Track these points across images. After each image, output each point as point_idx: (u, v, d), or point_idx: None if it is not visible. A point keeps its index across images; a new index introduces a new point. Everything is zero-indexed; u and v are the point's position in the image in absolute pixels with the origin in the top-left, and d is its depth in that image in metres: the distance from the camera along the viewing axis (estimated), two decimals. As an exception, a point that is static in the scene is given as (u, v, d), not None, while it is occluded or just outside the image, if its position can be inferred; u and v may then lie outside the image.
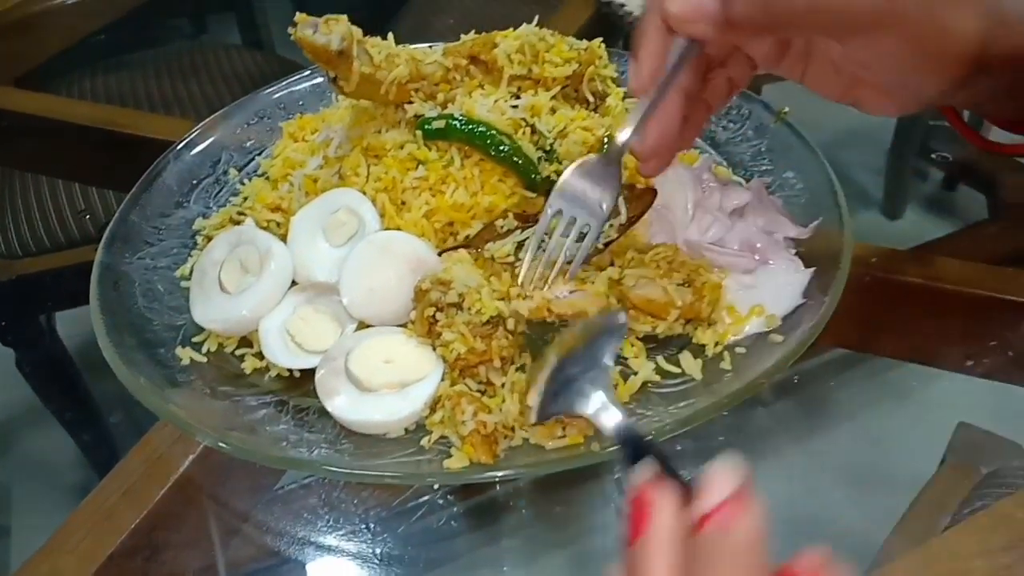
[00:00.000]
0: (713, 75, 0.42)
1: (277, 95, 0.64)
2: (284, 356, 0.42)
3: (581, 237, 0.43)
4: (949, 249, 0.80)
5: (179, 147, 0.58)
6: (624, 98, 0.61)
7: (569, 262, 0.43)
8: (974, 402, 0.80)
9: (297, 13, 0.46)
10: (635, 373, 0.42)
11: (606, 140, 0.50)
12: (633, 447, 0.32)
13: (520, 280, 0.43)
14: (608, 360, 0.36)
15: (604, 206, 0.42)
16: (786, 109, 0.58)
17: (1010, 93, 0.38)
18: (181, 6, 1.55)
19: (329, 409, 0.39)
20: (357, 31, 0.47)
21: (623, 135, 0.40)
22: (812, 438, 0.91)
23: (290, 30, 0.46)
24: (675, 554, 0.26)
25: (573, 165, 0.43)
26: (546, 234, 0.43)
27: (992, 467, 0.70)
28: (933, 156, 0.93)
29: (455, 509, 0.48)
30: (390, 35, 0.51)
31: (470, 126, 0.48)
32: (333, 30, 0.46)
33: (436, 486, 0.44)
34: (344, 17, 0.47)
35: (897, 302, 0.51)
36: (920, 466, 0.74)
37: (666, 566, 0.25)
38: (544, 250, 0.43)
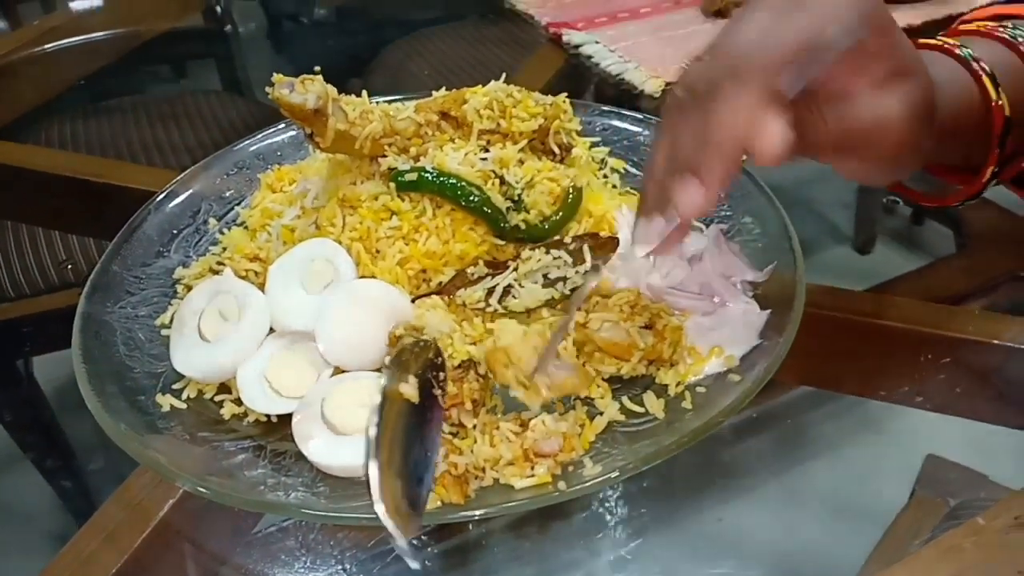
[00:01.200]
0: None
1: (255, 146, 0.66)
2: (262, 402, 0.44)
3: None
4: (917, 283, 0.83)
5: (159, 198, 0.59)
6: (591, 147, 0.64)
7: None
8: (943, 434, 0.83)
9: (274, 75, 0.48)
10: (601, 413, 0.44)
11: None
12: None
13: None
14: None
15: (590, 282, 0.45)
16: (744, 157, 0.60)
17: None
18: (162, 53, 1.58)
19: (305, 453, 0.40)
20: (332, 89, 0.50)
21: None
22: (788, 472, 0.93)
23: (267, 89, 0.48)
24: None
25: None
26: None
27: (960, 499, 0.72)
28: (884, 201, 0.97)
29: (430, 550, 0.49)
30: (364, 92, 0.53)
31: (441, 178, 0.50)
32: (309, 89, 0.48)
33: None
34: (319, 77, 0.49)
35: (848, 340, 0.53)
36: (891, 498, 0.76)
37: None
38: None
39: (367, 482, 0.32)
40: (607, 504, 0.57)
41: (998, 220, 1.01)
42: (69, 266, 0.66)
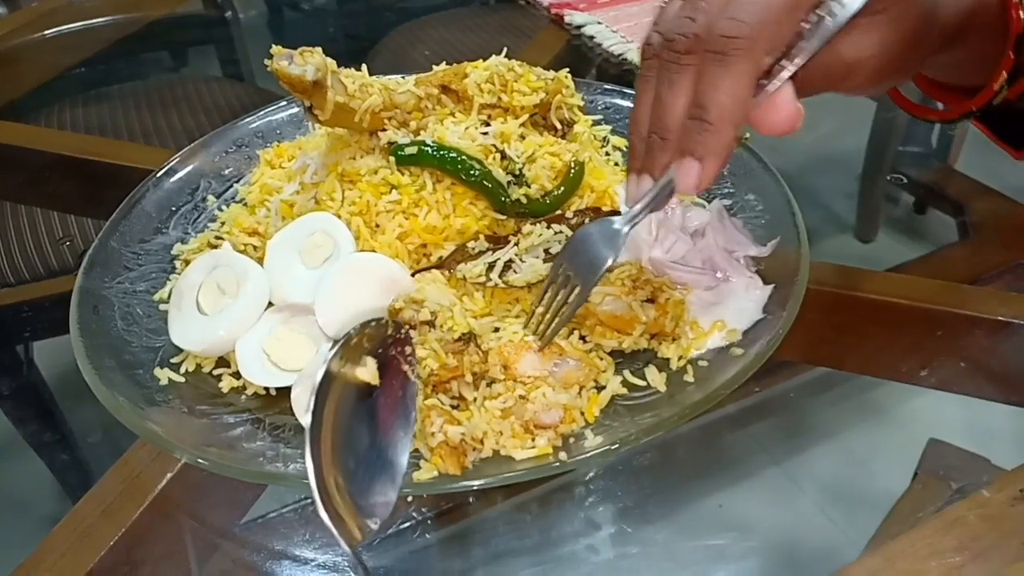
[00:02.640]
0: None
1: (255, 124, 0.65)
2: (260, 375, 0.43)
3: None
4: (920, 271, 0.82)
5: (158, 175, 0.59)
6: (592, 125, 0.63)
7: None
8: (945, 418, 0.82)
9: (273, 46, 0.48)
10: (604, 387, 0.43)
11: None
12: None
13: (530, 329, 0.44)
14: None
15: (597, 269, 0.42)
16: (747, 135, 0.60)
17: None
18: (162, 39, 1.57)
19: (305, 425, 0.40)
20: (331, 62, 0.49)
21: (634, 209, 0.40)
22: (789, 458, 0.93)
23: (266, 61, 0.47)
24: None
25: (588, 224, 0.43)
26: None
27: (962, 483, 0.72)
28: (889, 178, 0.96)
29: (430, 523, 0.49)
30: (364, 67, 0.53)
31: (442, 152, 0.50)
32: (308, 61, 0.47)
33: (410, 500, 0.45)
34: (319, 49, 0.49)
35: (852, 316, 0.53)
36: (894, 482, 0.76)
37: None
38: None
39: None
40: (608, 489, 0.56)
41: (1000, 208, 1.01)
42: (67, 244, 0.66)
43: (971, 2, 0.41)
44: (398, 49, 1.40)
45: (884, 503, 0.75)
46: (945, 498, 0.67)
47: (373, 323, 0.41)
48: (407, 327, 0.42)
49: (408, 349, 0.41)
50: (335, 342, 0.38)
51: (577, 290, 0.42)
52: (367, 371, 0.38)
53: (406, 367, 0.40)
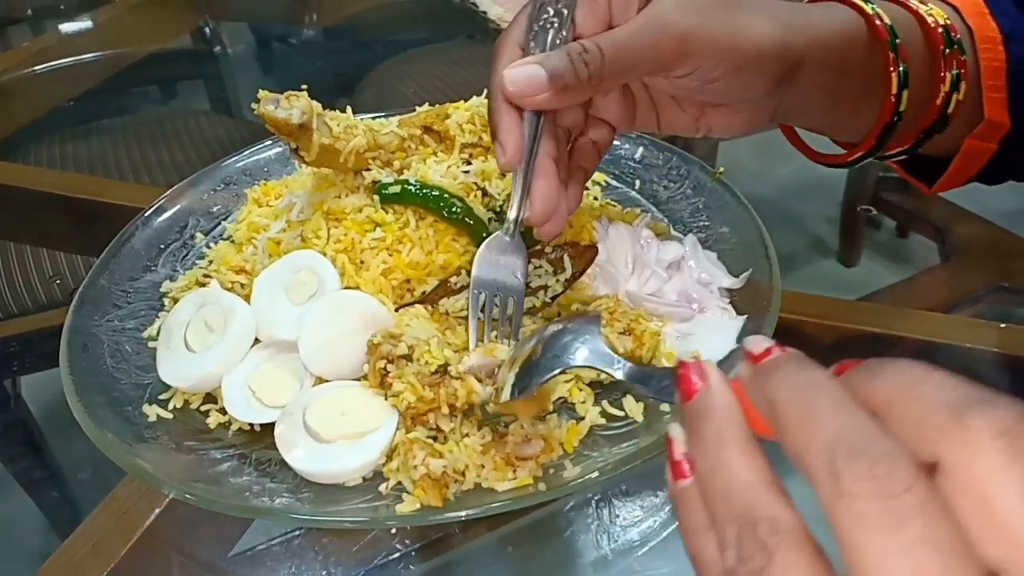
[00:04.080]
0: (578, 142, 0.46)
1: (242, 163, 0.67)
2: (246, 411, 0.44)
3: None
4: (902, 295, 0.84)
5: (147, 213, 0.60)
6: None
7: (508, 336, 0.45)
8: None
9: (260, 90, 0.49)
10: (583, 418, 0.45)
11: (502, 214, 0.53)
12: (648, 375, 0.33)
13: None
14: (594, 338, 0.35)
15: (519, 275, 0.45)
16: (721, 169, 0.62)
17: (829, 93, 0.43)
18: (151, 74, 1.59)
19: (289, 461, 0.41)
20: (317, 105, 0.51)
21: (512, 212, 0.43)
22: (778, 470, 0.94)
23: (253, 105, 0.49)
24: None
25: (479, 252, 0.45)
26: (481, 311, 0.45)
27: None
28: (859, 209, 0.98)
29: (414, 555, 0.50)
30: (348, 108, 0.54)
31: (424, 190, 0.51)
32: (294, 105, 0.49)
33: (394, 532, 0.46)
34: (304, 92, 0.50)
35: (824, 345, 0.54)
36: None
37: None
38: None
39: None
40: (592, 512, 0.57)
41: (981, 232, 1.03)
42: (57, 282, 0.66)
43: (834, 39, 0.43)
44: (384, 83, 1.42)
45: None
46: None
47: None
48: None
49: None
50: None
51: (512, 300, 0.45)
52: None
53: None
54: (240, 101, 1.64)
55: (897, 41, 0.43)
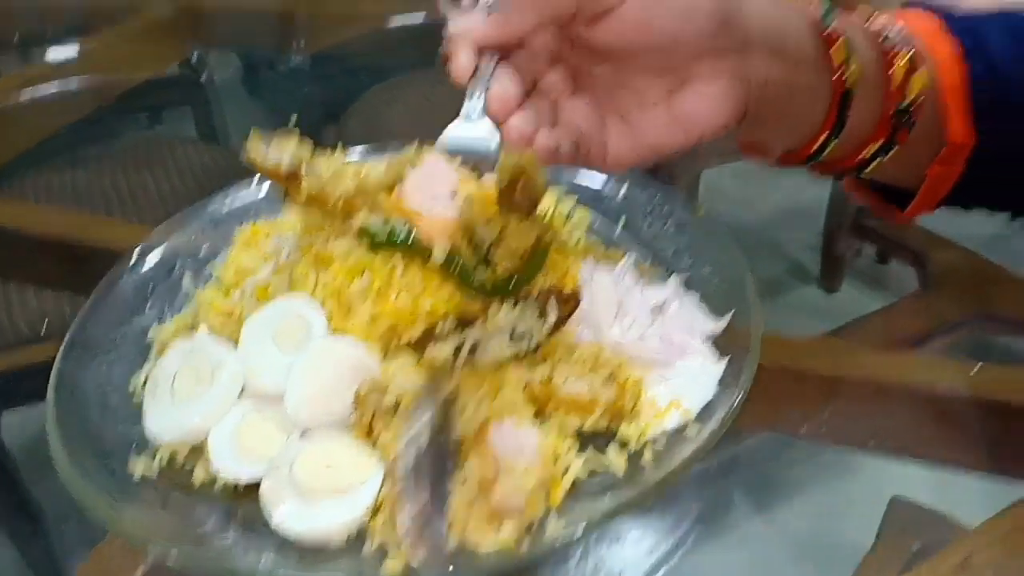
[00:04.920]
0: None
1: (230, 201, 0.67)
2: (232, 465, 0.45)
3: None
4: (882, 323, 0.86)
5: (135, 255, 0.60)
6: (558, 198, 0.66)
7: None
8: (908, 476, 0.85)
9: (251, 132, 0.50)
10: (566, 470, 0.45)
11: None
12: None
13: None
14: None
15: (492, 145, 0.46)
16: (703, 207, 0.63)
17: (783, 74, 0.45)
18: (139, 103, 1.60)
19: (275, 519, 0.41)
20: (307, 148, 0.51)
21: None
22: (754, 516, 0.95)
23: (242, 155, 0.50)
24: None
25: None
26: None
27: (922, 542, 0.74)
28: (843, 243, 0.99)
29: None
30: (339, 144, 0.55)
31: (412, 236, 0.52)
32: (283, 150, 0.50)
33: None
34: (294, 136, 0.51)
35: (803, 387, 0.55)
36: (858, 541, 0.78)
37: None
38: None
39: None
40: (576, 552, 0.58)
41: (959, 259, 1.05)
42: (40, 317, 0.67)
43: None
44: (372, 110, 1.43)
45: (850, 561, 0.77)
46: (905, 559, 0.70)
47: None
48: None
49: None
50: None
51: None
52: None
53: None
54: (227, 128, 1.64)
55: (830, 15, 0.46)
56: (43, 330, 0.89)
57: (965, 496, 0.68)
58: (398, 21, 1.49)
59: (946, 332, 0.72)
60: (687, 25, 0.42)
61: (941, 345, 0.72)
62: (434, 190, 0.51)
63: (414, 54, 1.51)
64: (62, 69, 1.28)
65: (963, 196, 0.51)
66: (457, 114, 0.47)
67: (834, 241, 1.72)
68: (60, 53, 1.41)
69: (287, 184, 0.50)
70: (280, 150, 0.49)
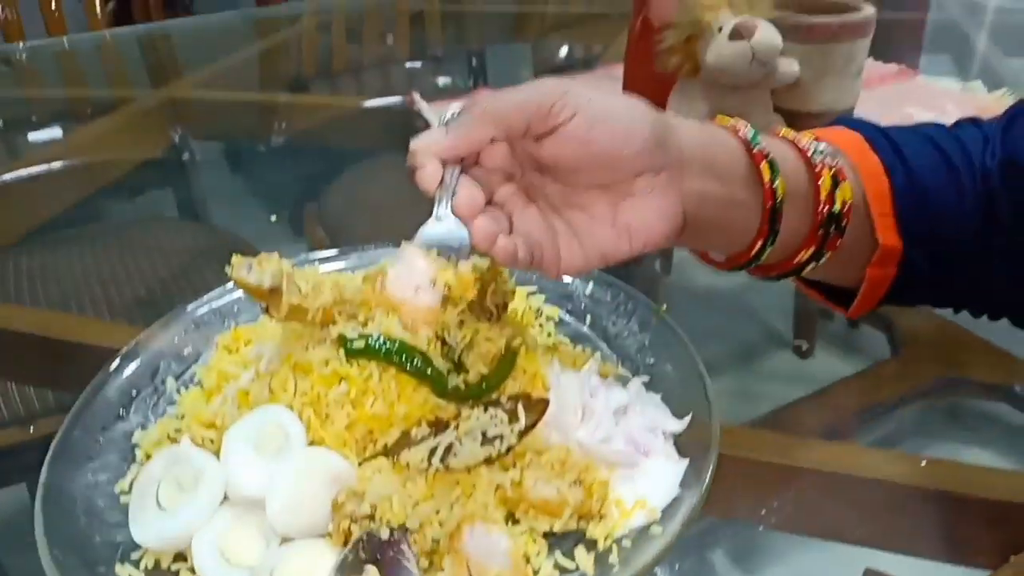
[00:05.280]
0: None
1: (213, 303, 0.70)
2: (214, 571, 0.46)
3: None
4: (856, 388, 0.89)
5: (118, 360, 0.63)
6: (528, 296, 0.70)
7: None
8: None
9: (233, 256, 0.53)
10: (537, 571, 0.47)
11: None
12: None
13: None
14: None
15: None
16: (664, 307, 0.67)
17: (716, 189, 0.50)
18: (123, 189, 1.63)
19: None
20: (287, 266, 0.54)
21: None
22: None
23: (227, 269, 0.53)
24: None
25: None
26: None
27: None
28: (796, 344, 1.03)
29: None
30: (318, 265, 0.58)
31: (387, 344, 0.55)
32: (265, 269, 0.53)
33: None
34: (275, 255, 0.54)
35: (765, 479, 0.58)
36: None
37: None
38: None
39: None
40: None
41: (927, 324, 1.09)
42: (31, 427, 0.68)
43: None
44: (349, 188, 1.47)
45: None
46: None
47: (365, 536, 0.45)
48: (398, 528, 0.47)
49: (404, 547, 0.45)
50: (336, 566, 0.43)
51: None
52: None
53: (406, 563, 0.44)
54: (207, 205, 1.67)
55: (757, 137, 0.51)
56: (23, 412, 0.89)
57: (937, 571, 0.71)
58: (374, 104, 1.54)
59: (917, 397, 0.76)
60: (626, 145, 0.47)
61: (915, 410, 0.75)
62: (414, 281, 0.54)
63: (389, 136, 1.56)
64: (47, 157, 1.32)
65: (901, 295, 0.55)
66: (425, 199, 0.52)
67: (805, 307, 1.77)
68: (45, 143, 1.45)
69: (268, 300, 0.53)
70: (261, 270, 0.52)
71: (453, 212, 0.50)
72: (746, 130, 0.52)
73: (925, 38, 1.78)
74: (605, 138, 0.47)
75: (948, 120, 0.58)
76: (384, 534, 0.45)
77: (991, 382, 0.74)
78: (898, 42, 1.68)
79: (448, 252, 0.52)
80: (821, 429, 0.65)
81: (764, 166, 0.50)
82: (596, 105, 0.47)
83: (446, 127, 0.49)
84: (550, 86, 0.47)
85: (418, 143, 0.49)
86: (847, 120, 0.58)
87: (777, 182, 0.50)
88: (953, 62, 1.58)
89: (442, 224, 0.50)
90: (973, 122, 0.58)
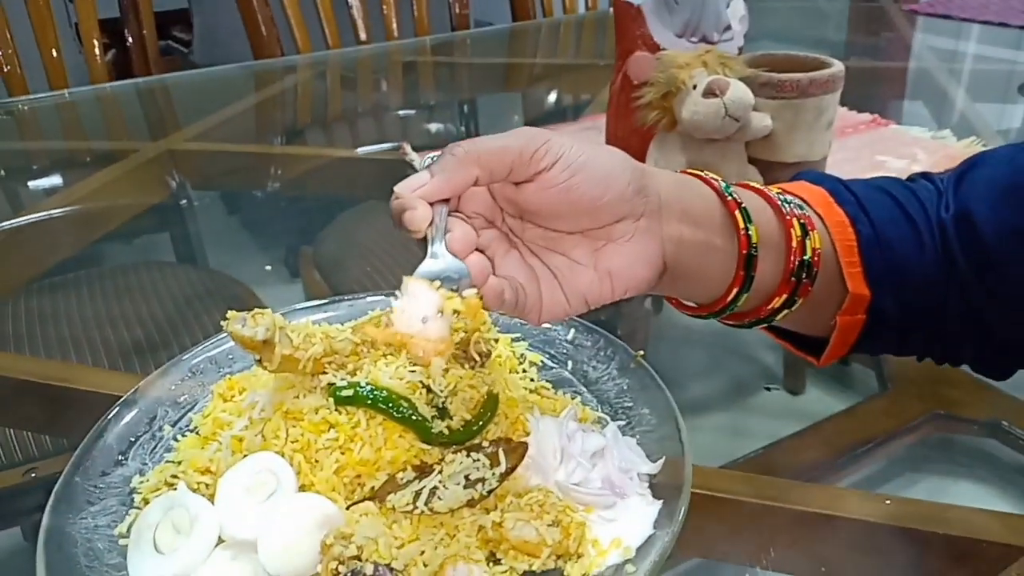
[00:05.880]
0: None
1: (208, 352, 0.73)
2: (210, 612, 0.49)
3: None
4: (846, 424, 0.91)
5: (118, 407, 0.65)
6: (512, 342, 0.73)
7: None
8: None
9: (228, 312, 0.56)
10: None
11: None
12: None
13: None
14: None
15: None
16: (641, 352, 0.70)
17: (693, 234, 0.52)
18: (122, 233, 1.66)
19: None
20: (280, 319, 0.58)
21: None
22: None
23: (223, 323, 0.56)
24: None
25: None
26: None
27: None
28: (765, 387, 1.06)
29: None
30: (310, 315, 0.61)
31: (374, 392, 0.58)
32: (259, 323, 0.56)
33: None
34: (269, 311, 0.57)
35: (733, 518, 0.61)
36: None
37: None
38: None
39: None
40: None
41: (915, 361, 1.12)
42: (32, 474, 0.71)
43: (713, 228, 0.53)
44: (343, 233, 1.51)
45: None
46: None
47: (351, 572, 0.48)
48: (384, 565, 0.49)
49: None
50: None
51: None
52: None
53: None
54: (204, 248, 1.71)
55: (730, 188, 0.53)
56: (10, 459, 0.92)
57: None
58: (367, 152, 1.59)
59: (907, 433, 0.77)
60: (606, 191, 0.49)
61: (905, 445, 0.77)
62: (421, 312, 0.54)
63: (381, 183, 1.60)
64: (49, 205, 1.35)
65: (871, 342, 0.57)
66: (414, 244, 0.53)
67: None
68: (47, 191, 1.49)
69: (261, 352, 0.56)
70: (255, 324, 0.55)
71: (448, 250, 0.51)
72: (718, 182, 0.54)
73: (906, 86, 1.84)
74: (585, 184, 0.49)
75: (919, 167, 0.60)
76: (368, 569, 0.48)
77: (980, 418, 0.75)
78: (880, 91, 1.74)
79: (450, 284, 0.52)
80: (811, 465, 0.67)
81: (738, 214, 0.52)
82: (576, 153, 0.49)
83: (429, 170, 0.50)
84: (532, 133, 0.49)
85: (403, 186, 0.50)
86: (810, 175, 0.61)
87: (751, 228, 0.52)
88: (928, 109, 1.64)
89: (438, 261, 0.51)
90: (925, 176, 0.60)
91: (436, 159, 0.50)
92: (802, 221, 0.53)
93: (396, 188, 0.50)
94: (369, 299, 0.80)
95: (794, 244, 0.52)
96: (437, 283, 0.52)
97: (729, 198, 0.53)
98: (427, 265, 0.51)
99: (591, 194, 0.49)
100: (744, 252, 0.52)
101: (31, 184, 1.56)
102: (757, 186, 0.57)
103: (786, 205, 0.54)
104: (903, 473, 0.75)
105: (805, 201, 0.56)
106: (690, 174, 0.56)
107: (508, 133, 0.49)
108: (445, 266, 0.51)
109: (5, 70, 1.74)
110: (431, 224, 0.50)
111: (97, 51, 1.87)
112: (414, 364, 0.57)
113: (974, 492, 0.71)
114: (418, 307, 0.54)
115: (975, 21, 2.16)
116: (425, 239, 0.51)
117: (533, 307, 0.53)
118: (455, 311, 0.52)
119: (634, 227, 0.51)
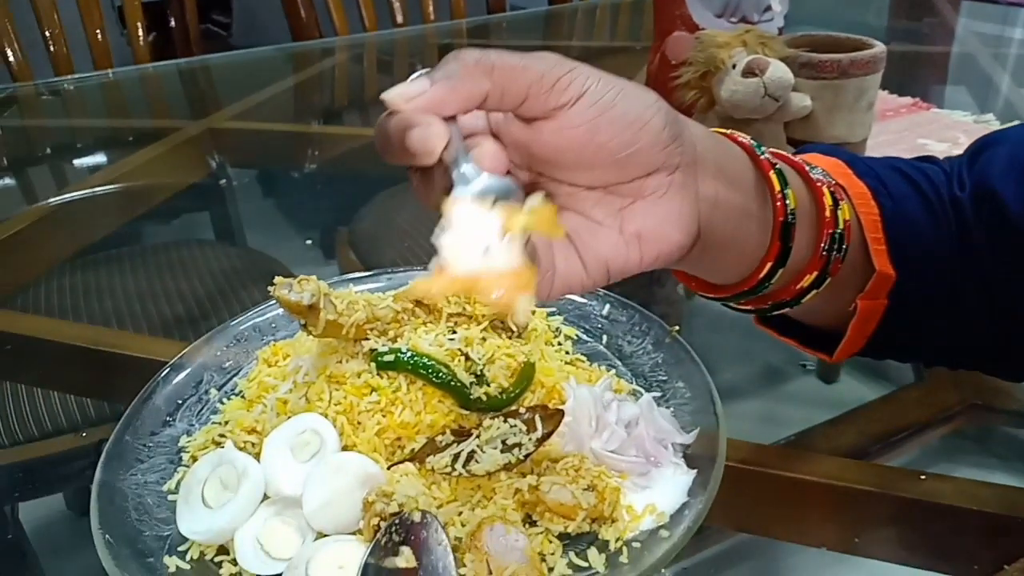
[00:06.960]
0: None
1: (253, 320, 0.75)
2: (255, 563, 0.51)
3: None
4: (880, 413, 0.91)
5: (167, 371, 0.67)
6: (547, 316, 0.74)
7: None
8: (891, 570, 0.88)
9: (276, 278, 0.58)
10: (551, 569, 0.51)
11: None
12: None
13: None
14: None
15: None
16: (676, 327, 0.70)
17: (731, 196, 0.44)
18: (164, 211, 1.70)
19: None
20: (324, 285, 0.59)
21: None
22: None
23: (269, 289, 0.57)
24: None
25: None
26: None
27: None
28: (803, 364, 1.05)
29: None
30: (352, 286, 0.62)
31: (415, 358, 0.59)
32: (304, 289, 0.57)
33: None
34: (314, 277, 0.59)
35: (769, 490, 0.61)
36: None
37: None
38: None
39: None
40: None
41: None
42: (83, 434, 0.74)
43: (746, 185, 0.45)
44: (378, 214, 1.53)
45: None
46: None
47: (397, 520, 0.48)
48: (430, 513, 0.50)
49: (435, 529, 0.48)
50: (371, 549, 0.46)
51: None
52: (404, 559, 0.45)
53: (438, 544, 0.47)
54: (243, 228, 1.74)
55: (762, 148, 0.46)
56: (66, 424, 0.95)
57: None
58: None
59: (943, 422, 0.77)
60: (638, 136, 0.39)
61: (940, 435, 0.77)
62: (480, 242, 0.39)
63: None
64: (93, 183, 1.39)
65: (884, 337, 0.53)
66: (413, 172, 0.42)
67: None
68: (91, 169, 1.52)
69: (306, 316, 0.58)
70: (301, 289, 0.56)
71: (478, 170, 0.39)
72: (749, 140, 0.47)
73: (948, 71, 1.81)
74: (614, 127, 0.39)
75: (960, 151, 0.57)
76: (416, 516, 0.49)
77: (1017, 408, 0.74)
78: (921, 75, 1.71)
79: (500, 198, 0.39)
80: (845, 452, 0.67)
81: (773, 175, 0.45)
82: (604, 87, 0.39)
83: (428, 77, 0.37)
84: (557, 58, 0.39)
85: (395, 95, 0.37)
86: (819, 147, 0.56)
87: (788, 191, 0.45)
88: (971, 94, 1.61)
89: (472, 184, 0.39)
90: (930, 159, 0.57)
91: (437, 67, 0.38)
92: (831, 190, 0.47)
93: (385, 97, 0.37)
94: (408, 274, 0.81)
95: (827, 215, 0.46)
96: (489, 200, 0.39)
97: (762, 157, 0.45)
98: (461, 189, 0.39)
99: (620, 138, 0.39)
100: (780, 219, 0.45)
101: (76, 162, 1.59)
102: (781, 152, 0.49)
103: (814, 172, 0.48)
104: (938, 463, 0.74)
105: (827, 170, 0.50)
106: (719, 133, 0.47)
107: (526, 55, 0.38)
108: (484, 186, 0.39)
109: (52, 50, 1.78)
110: (447, 146, 0.38)
111: (140, 33, 1.91)
112: (493, 310, 0.48)
113: (1012, 483, 0.70)
114: (474, 236, 0.39)
115: (1023, 5, 2.11)
116: (430, 176, 0.40)
117: (544, 276, 0.42)
118: (524, 229, 0.39)
119: (668, 181, 0.41)
